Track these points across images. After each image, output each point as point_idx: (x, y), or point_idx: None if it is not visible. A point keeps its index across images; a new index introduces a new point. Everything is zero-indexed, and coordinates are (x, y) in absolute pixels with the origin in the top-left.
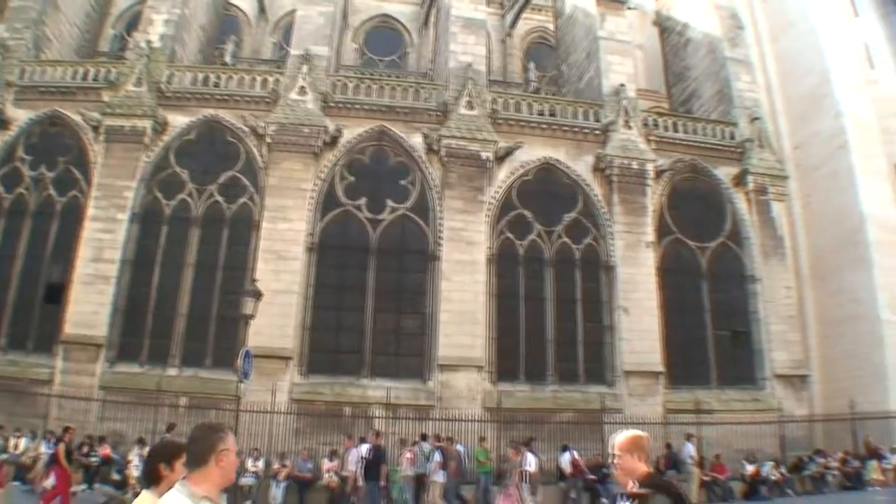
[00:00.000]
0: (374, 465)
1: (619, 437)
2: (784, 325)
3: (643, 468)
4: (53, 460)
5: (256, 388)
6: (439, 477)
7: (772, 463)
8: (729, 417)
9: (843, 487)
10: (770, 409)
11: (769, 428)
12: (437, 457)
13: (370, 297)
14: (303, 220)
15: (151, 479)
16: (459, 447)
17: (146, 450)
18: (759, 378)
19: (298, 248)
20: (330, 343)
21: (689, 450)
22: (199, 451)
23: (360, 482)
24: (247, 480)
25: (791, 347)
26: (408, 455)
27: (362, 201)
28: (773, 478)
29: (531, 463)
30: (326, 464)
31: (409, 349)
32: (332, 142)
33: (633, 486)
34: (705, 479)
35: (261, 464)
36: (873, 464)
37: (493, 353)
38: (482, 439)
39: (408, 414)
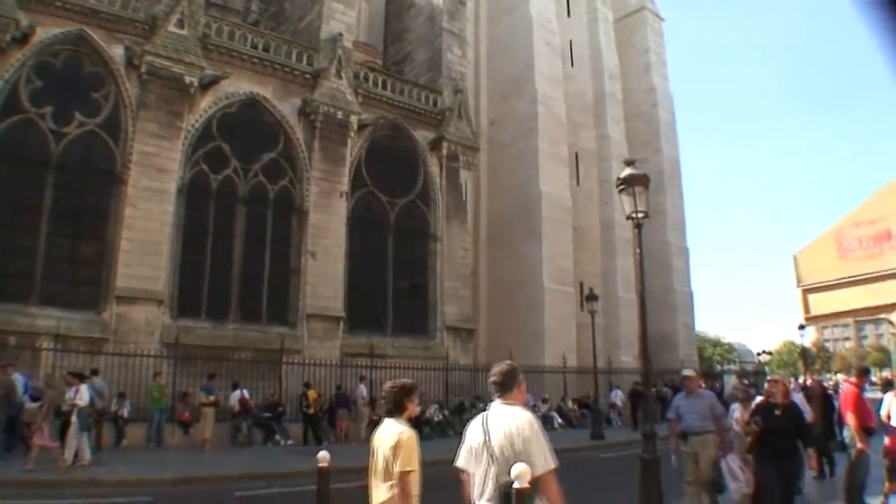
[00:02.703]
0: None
1: None
2: (458, 283)
3: None
4: None
5: None
6: None
7: (436, 405)
8: (401, 362)
9: None
10: (439, 356)
11: (437, 374)
12: None
13: (45, 218)
14: None
15: (399, 409)
16: (19, 376)
17: None
18: (431, 328)
19: None
20: None
21: (362, 391)
22: (508, 382)
23: None
24: None
25: (462, 303)
26: None
27: (47, 110)
28: (437, 419)
29: (84, 397)
30: None
31: (84, 278)
32: (23, 39)
33: None
34: (374, 418)
35: None
36: None
37: (175, 288)
38: (157, 374)
39: (79, 347)
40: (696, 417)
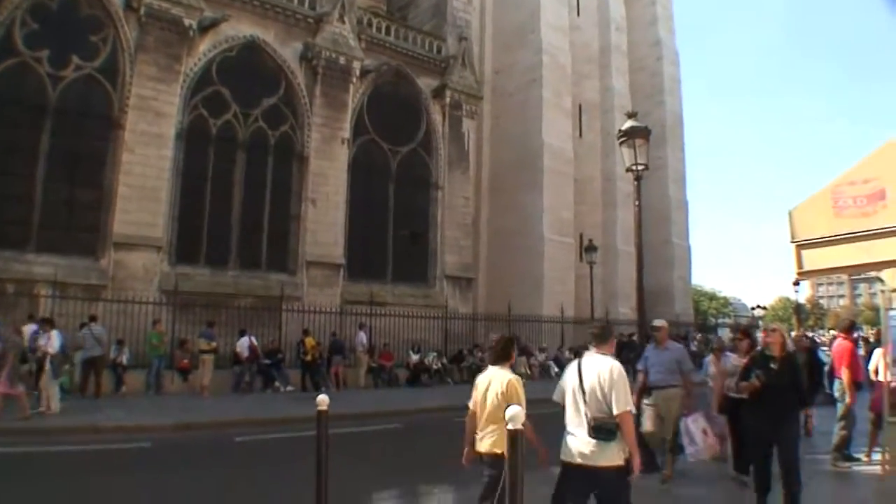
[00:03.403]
0: None
1: None
2: (458, 232)
3: None
4: None
5: None
6: None
7: (435, 354)
8: (401, 310)
9: None
10: (438, 305)
11: (436, 322)
12: None
13: (42, 163)
14: None
15: (505, 357)
16: None
17: None
18: (431, 277)
19: None
20: None
21: (362, 338)
22: (605, 335)
23: None
24: None
25: (462, 252)
26: None
27: (44, 54)
28: (436, 367)
29: (54, 344)
30: None
31: (82, 224)
32: None
33: None
34: (373, 365)
35: None
36: (522, 359)
37: (173, 234)
38: (156, 322)
39: (77, 294)
40: (662, 370)
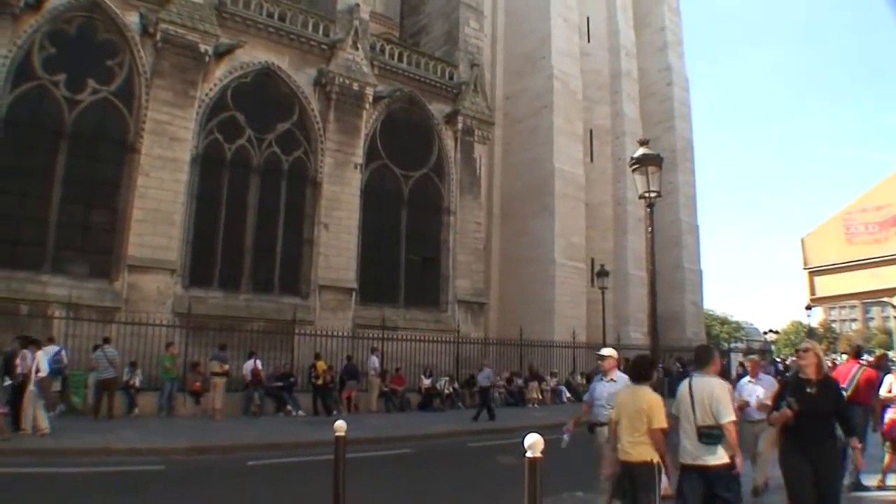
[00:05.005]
0: None
1: None
2: (470, 257)
3: None
4: None
5: None
6: None
7: (447, 378)
8: (413, 335)
9: (507, 403)
10: (450, 329)
11: (447, 346)
12: None
13: (58, 186)
14: None
15: (645, 377)
16: None
17: None
18: (442, 301)
19: None
20: (8, 233)
21: (374, 362)
22: (704, 359)
23: None
24: None
25: (474, 277)
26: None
27: (61, 77)
28: (447, 391)
29: (43, 367)
30: None
31: (96, 246)
32: (37, 5)
33: None
34: (385, 389)
35: None
36: (534, 384)
37: (187, 258)
38: (169, 344)
39: (91, 315)
40: (603, 404)
